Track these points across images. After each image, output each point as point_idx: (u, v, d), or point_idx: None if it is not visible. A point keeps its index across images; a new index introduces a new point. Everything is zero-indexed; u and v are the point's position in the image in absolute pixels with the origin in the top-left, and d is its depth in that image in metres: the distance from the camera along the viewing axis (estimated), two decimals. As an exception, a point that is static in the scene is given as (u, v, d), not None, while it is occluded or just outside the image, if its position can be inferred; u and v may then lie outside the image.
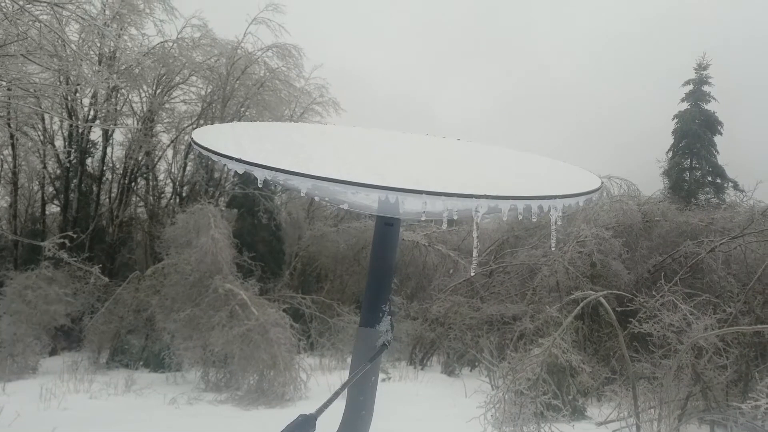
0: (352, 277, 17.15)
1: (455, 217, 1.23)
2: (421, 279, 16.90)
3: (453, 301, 12.94)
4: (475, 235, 1.22)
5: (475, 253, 1.48)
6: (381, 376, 11.82)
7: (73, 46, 10.12)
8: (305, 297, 14.19)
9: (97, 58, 13.40)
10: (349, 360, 12.78)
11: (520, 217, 1.24)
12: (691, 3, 35.13)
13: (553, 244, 1.42)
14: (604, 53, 37.95)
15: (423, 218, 1.25)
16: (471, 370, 12.35)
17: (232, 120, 15.46)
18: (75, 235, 12.30)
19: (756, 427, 6.75)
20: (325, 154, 1.64)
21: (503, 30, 39.83)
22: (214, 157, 1.32)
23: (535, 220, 1.27)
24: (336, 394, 1.43)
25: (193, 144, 1.43)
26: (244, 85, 15.67)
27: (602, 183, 1.50)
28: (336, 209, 18.40)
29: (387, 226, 1.58)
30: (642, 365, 8.52)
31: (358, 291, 16.61)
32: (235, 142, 1.54)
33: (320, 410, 1.29)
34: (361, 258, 17.16)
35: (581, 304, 8.89)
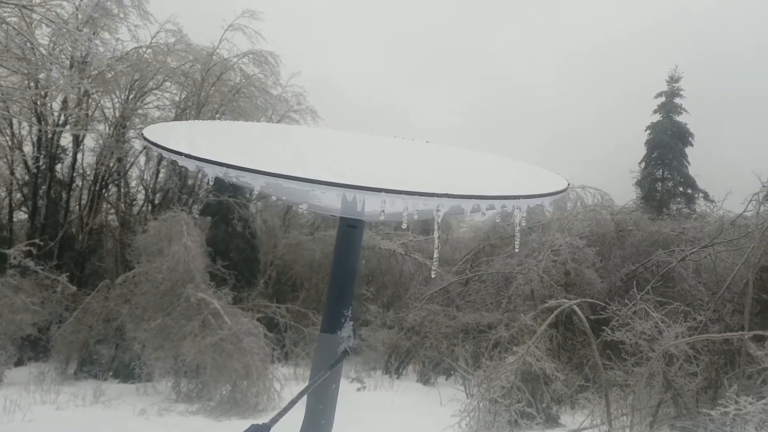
0: (328, 286, 17.00)
1: (416, 217, 1.19)
2: (398, 287, 16.86)
3: (429, 310, 12.93)
4: (435, 235, 1.18)
5: (435, 254, 1.42)
6: (356, 385, 11.78)
7: (42, 49, 9.95)
8: (280, 306, 14.07)
9: (68, 62, 13.19)
10: (323, 369, 12.77)
11: (484, 216, 1.21)
12: (664, 19, 35.84)
13: (516, 246, 1.39)
14: (579, 66, 38.52)
15: (382, 218, 1.21)
16: (446, 379, 12.33)
17: (206, 127, 15.26)
18: (42, 243, 12.04)
19: (726, 434, 6.83)
20: (284, 152, 1.59)
21: (479, 41, 40.20)
22: (165, 154, 1.27)
23: (498, 219, 1.24)
24: (292, 403, 1.38)
25: (143, 140, 1.37)
26: (219, 92, 15.54)
27: (568, 184, 1.48)
28: (312, 217, 18.33)
29: (350, 228, 1.54)
30: (615, 373, 8.58)
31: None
32: (188, 139, 1.49)
33: (274, 420, 1.24)
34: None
35: (555, 312, 8.94)
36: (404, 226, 1.19)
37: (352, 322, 1.61)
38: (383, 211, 1.18)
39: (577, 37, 39.22)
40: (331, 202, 1.39)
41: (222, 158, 1.17)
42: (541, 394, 8.53)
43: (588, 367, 9.83)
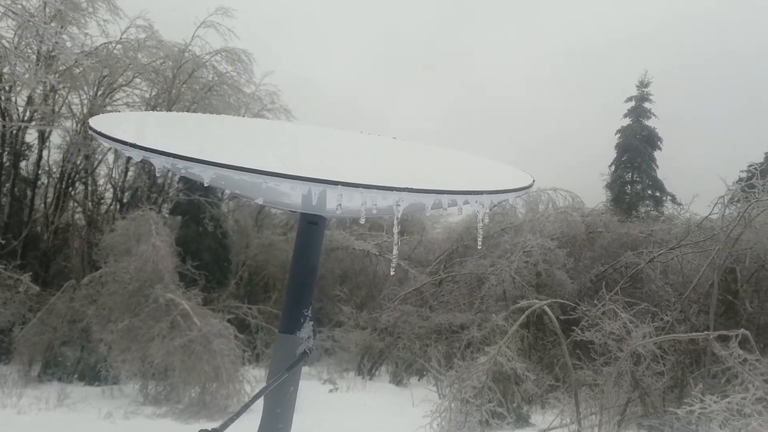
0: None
1: (375, 213, 1.16)
2: (371, 288, 16.84)
3: (402, 311, 12.94)
4: (395, 230, 1.13)
5: (394, 251, 1.37)
6: (328, 387, 11.72)
7: (6, 42, 9.68)
8: (251, 307, 13.93)
9: (34, 57, 12.88)
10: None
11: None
12: (637, 26, 36.44)
13: (479, 243, 1.35)
14: (555, 71, 38.88)
15: (339, 212, 1.17)
16: (419, 380, 12.34)
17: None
18: (5, 242, 11.74)
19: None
20: (240, 145, 1.54)
21: (456, 46, 40.37)
22: (108, 143, 1.21)
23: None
24: (245, 407, 1.33)
25: (89, 130, 1.31)
26: (191, 89, 15.31)
27: (533, 181, 1.46)
28: (286, 217, 18.18)
29: (311, 224, 1.50)
30: (584, 372, 8.66)
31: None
32: (138, 129, 1.43)
33: (225, 424, 1.19)
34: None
35: (526, 313, 9.00)
36: (362, 221, 1.16)
37: (312, 323, 1.57)
38: (340, 205, 1.14)
39: (554, 43, 39.65)
40: (289, 196, 1.35)
41: (170, 148, 1.11)
42: (512, 394, 8.58)
43: (558, 366, 9.92)
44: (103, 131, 1.23)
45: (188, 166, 1.09)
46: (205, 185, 1.15)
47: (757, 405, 5.81)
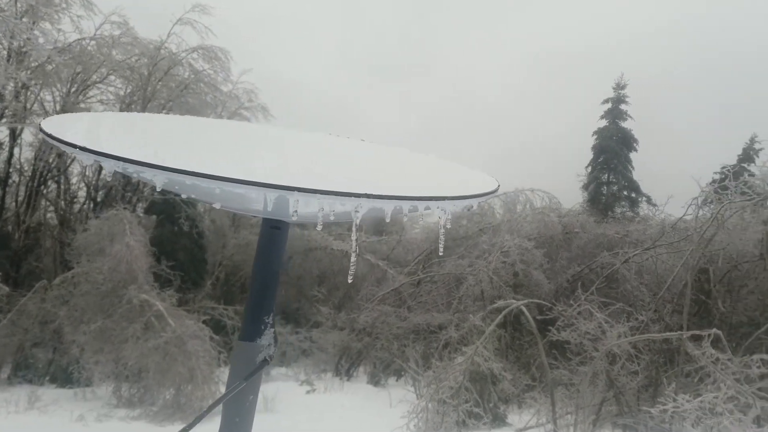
0: (278, 287, 16.80)
1: (332, 218, 1.13)
2: (349, 289, 16.78)
3: (380, 311, 12.90)
4: (353, 238, 1.11)
5: (353, 258, 1.33)
6: (305, 388, 11.65)
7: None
8: (227, 308, 13.79)
9: (5, 52, 12.62)
10: (273, 373, 12.57)
11: (401, 216, 1.15)
12: (615, 30, 36.86)
13: (440, 249, 1.32)
14: (531, 75, 39.16)
15: (294, 218, 1.14)
16: (397, 380, 12.33)
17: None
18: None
19: (664, 430, 7.01)
20: (199, 148, 1.50)
21: (433, 51, 40.45)
22: (60, 146, 1.17)
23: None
24: (199, 418, 1.29)
25: (40, 131, 1.26)
26: (166, 87, 15.14)
27: (498, 186, 1.44)
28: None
29: (274, 229, 1.46)
30: (560, 372, 8.72)
31: (283, 301, 16.30)
32: (92, 131, 1.38)
33: (182, 432, 1.15)
34: (288, 268, 16.75)
35: (503, 313, 9.04)
36: (318, 227, 1.12)
37: (273, 329, 1.52)
38: (296, 211, 1.11)
39: (533, 46, 39.93)
40: (251, 201, 1.31)
41: (123, 152, 1.07)
42: (488, 394, 8.61)
43: (534, 366, 9.97)
44: (55, 133, 1.18)
45: (139, 171, 1.05)
46: (158, 191, 1.11)
47: (728, 404, 5.89)
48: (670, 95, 30.66)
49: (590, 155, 19.90)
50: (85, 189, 15.07)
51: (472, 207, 1.29)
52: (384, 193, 1.10)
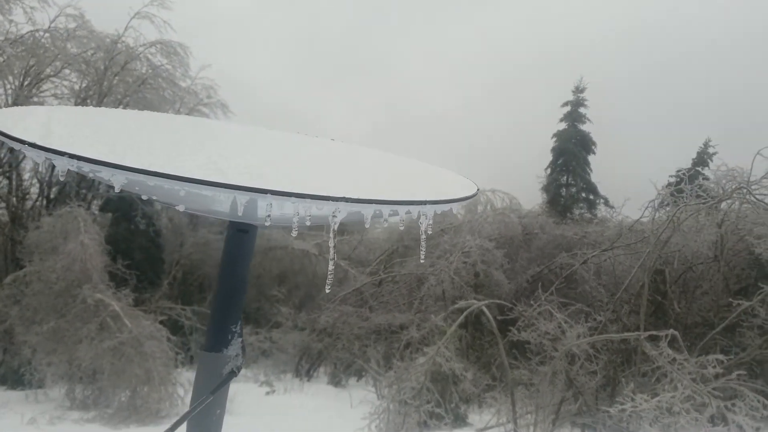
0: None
1: (308, 223, 1.08)
2: (310, 289, 16.66)
3: (342, 311, 12.83)
4: (331, 245, 1.06)
5: (330, 266, 1.27)
6: (265, 389, 11.50)
7: None
8: (185, 308, 13.54)
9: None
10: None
11: (385, 223, 1.11)
12: (574, 35, 37.51)
13: (422, 256, 1.27)
14: (490, 76, 39.55)
15: (268, 223, 1.08)
16: (358, 381, 12.29)
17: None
18: None
19: (622, 430, 7.14)
20: (160, 145, 1.42)
21: (387, 52, 40.41)
22: (7, 142, 1.08)
23: (402, 228, 1.14)
24: None
25: None
26: (123, 82, 14.74)
27: (478, 190, 1.41)
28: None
29: (241, 233, 1.39)
30: (520, 372, 8.80)
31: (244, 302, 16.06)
32: (44, 126, 1.30)
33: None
34: (251, 267, 16.62)
35: (465, 313, 9.08)
36: (294, 233, 1.07)
37: (241, 339, 1.45)
38: (269, 216, 1.05)
39: (493, 48, 40.29)
40: (216, 203, 1.25)
41: (77, 149, 0.99)
42: (450, 394, 8.64)
43: (495, 366, 10.05)
44: (2, 128, 1.08)
45: (96, 170, 0.98)
46: (116, 191, 1.04)
47: (685, 403, 6.03)
48: (626, 98, 31.39)
49: (549, 157, 20.20)
50: (37, 185, 14.56)
51: (453, 211, 1.25)
52: (363, 197, 1.05)
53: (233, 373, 1.39)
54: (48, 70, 13.87)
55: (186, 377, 10.17)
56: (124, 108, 14.88)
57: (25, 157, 13.83)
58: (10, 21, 12.84)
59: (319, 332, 13.06)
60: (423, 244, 1.15)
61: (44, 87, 14.24)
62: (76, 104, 14.44)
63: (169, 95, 15.79)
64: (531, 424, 7.92)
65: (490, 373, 10.13)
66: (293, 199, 1.00)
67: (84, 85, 14.67)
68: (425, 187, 1.52)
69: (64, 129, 1.31)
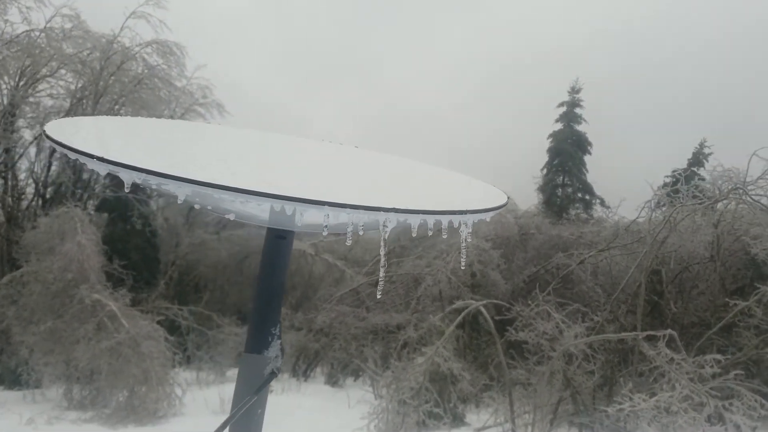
0: (234, 287, 16.62)
1: (361, 233, 1.11)
2: (307, 289, 16.69)
3: (338, 311, 12.86)
4: (382, 252, 1.10)
5: (381, 273, 1.33)
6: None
7: None
8: (182, 308, 13.55)
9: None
10: (229, 374, 12.37)
11: (414, 233, 1.14)
12: (568, 35, 37.63)
13: (462, 263, 1.31)
14: (487, 77, 39.56)
15: (325, 233, 1.12)
16: (355, 380, 12.31)
17: (105, 118, 14.45)
18: None
19: (620, 429, 7.20)
20: (206, 155, 1.45)
21: (381, 52, 40.39)
22: (72, 155, 1.11)
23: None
24: None
25: (46, 139, 1.19)
26: (119, 82, 14.69)
27: (508, 198, 1.45)
28: (219, 216, 17.71)
29: (279, 239, 1.43)
30: (518, 372, 8.84)
31: (239, 301, 16.10)
32: (98, 138, 1.32)
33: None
34: (245, 267, 16.66)
35: (463, 314, 9.12)
36: (348, 243, 1.10)
37: (280, 341, 1.49)
38: (326, 226, 1.08)
39: (490, 48, 40.36)
40: (260, 211, 1.28)
41: (140, 162, 1.02)
42: (448, 394, 8.67)
43: (492, 366, 10.09)
44: (64, 141, 1.11)
45: (163, 183, 1.01)
46: (179, 202, 1.07)
47: (683, 403, 6.09)
48: (621, 98, 31.55)
49: (545, 158, 20.29)
50: (33, 185, 14.51)
51: (486, 219, 1.29)
52: (411, 207, 1.09)
53: (274, 374, 1.43)
54: (44, 70, 13.82)
55: (184, 377, 10.18)
56: (120, 108, 14.87)
57: (21, 156, 13.79)
58: (6, 21, 12.81)
59: (316, 332, 13.08)
60: (464, 251, 1.18)
61: (40, 87, 14.20)
62: (71, 104, 14.40)
63: (165, 95, 15.76)
64: (529, 424, 7.96)
65: (487, 373, 10.18)
66: (348, 210, 1.04)
67: (80, 85, 14.63)
68: (458, 196, 1.55)
69: (117, 141, 1.33)
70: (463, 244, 1.26)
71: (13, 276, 10.79)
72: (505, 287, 11.97)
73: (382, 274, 1.37)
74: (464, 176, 1.66)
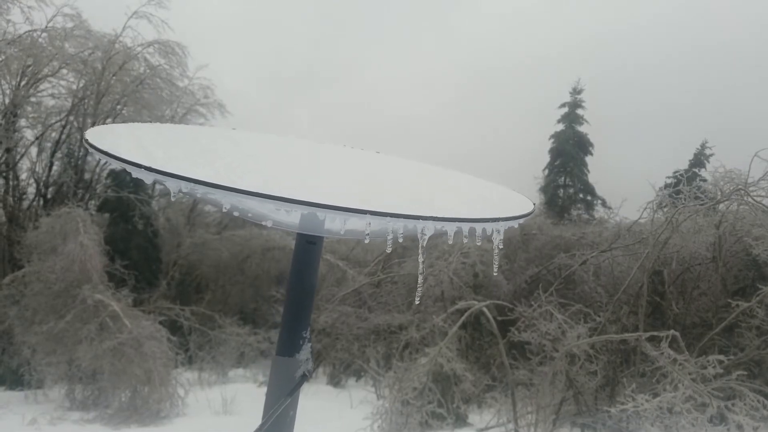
0: (235, 287, 16.61)
1: (401, 240, 1.13)
2: (307, 289, 16.63)
3: (340, 312, 12.85)
4: (420, 260, 1.12)
5: (420, 279, 1.36)
6: (264, 389, 11.50)
7: None
8: (184, 308, 13.54)
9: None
10: (231, 374, 12.37)
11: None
12: (571, 36, 37.63)
13: (495, 269, 1.34)
14: (492, 79, 39.54)
15: (367, 240, 1.14)
16: (357, 381, 12.33)
17: (105, 118, 14.48)
18: None
19: (622, 430, 7.23)
20: (243, 163, 1.47)
21: (380, 54, 40.31)
22: (117, 164, 1.12)
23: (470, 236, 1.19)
24: None
25: (88, 147, 1.20)
26: (121, 82, 14.70)
27: (535, 205, 1.47)
28: (220, 216, 17.73)
29: (309, 244, 1.45)
30: (520, 372, 8.86)
31: (241, 302, 16.10)
32: (138, 146, 1.34)
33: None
34: (246, 267, 16.66)
35: (466, 314, 9.13)
36: (388, 250, 1.13)
37: (310, 344, 1.52)
38: (368, 234, 1.10)
39: (490, 49, 40.33)
40: (293, 217, 1.30)
41: (185, 171, 1.04)
42: (451, 395, 8.69)
43: (495, 366, 10.11)
44: (107, 149, 1.12)
45: (208, 192, 1.02)
46: (224, 210, 1.08)
47: (686, 404, 6.11)
48: (623, 99, 31.53)
49: (547, 158, 20.29)
50: (34, 185, 14.52)
51: (515, 226, 1.31)
52: (447, 215, 1.11)
53: (305, 376, 1.46)
54: (45, 70, 13.83)
55: (186, 377, 10.19)
56: (122, 108, 14.88)
57: (23, 156, 13.79)
58: (8, 21, 12.82)
59: (318, 332, 13.07)
60: (496, 258, 1.20)
61: (41, 87, 14.22)
62: (73, 104, 14.41)
63: (167, 95, 15.78)
64: (532, 424, 7.98)
65: (490, 373, 10.19)
66: (388, 219, 1.06)
67: (81, 84, 14.64)
68: (486, 202, 1.57)
69: (158, 149, 1.35)
70: (496, 251, 1.27)
71: (15, 276, 10.80)
72: (507, 288, 11.98)
73: (420, 280, 1.39)
74: (488, 182, 1.68)
